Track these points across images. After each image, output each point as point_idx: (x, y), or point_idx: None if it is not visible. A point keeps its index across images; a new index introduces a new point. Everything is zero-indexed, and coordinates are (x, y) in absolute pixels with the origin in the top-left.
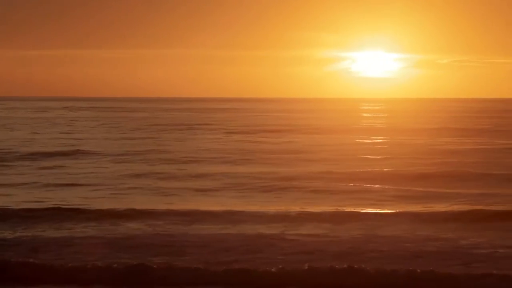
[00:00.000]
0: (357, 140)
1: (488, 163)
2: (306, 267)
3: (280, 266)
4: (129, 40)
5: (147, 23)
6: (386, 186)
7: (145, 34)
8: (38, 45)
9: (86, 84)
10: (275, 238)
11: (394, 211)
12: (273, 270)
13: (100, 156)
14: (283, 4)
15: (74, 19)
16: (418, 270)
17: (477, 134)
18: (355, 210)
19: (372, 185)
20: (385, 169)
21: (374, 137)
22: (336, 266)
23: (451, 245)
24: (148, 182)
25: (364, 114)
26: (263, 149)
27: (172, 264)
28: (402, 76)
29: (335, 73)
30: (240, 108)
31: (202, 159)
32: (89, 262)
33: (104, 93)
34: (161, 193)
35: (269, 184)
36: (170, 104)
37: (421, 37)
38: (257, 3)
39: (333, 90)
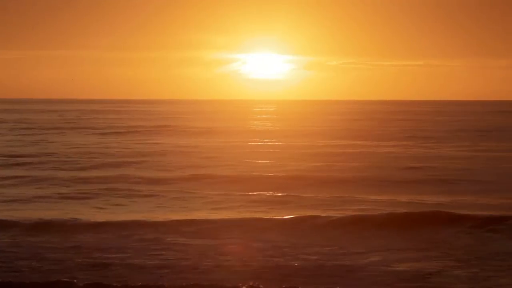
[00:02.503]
0: (227, 143)
1: (355, 167)
2: None
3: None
4: (18, 41)
5: (37, 24)
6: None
7: (35, 35)
8: None
9: None
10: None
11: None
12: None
13: None
14: (173, 6)
15: None
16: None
17: (357, 136)
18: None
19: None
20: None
21: (250, 140)
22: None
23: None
24: None
25: (249, 116)
26: (130, 152)
27: None
28: (293, 77)
29: (226, 74)
30: (126, 109)
31: (47, 162)
32: None
33: None
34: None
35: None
36: (52, 106)
37: (311, 39)
38: (147, 5)
39: (224, 91)
